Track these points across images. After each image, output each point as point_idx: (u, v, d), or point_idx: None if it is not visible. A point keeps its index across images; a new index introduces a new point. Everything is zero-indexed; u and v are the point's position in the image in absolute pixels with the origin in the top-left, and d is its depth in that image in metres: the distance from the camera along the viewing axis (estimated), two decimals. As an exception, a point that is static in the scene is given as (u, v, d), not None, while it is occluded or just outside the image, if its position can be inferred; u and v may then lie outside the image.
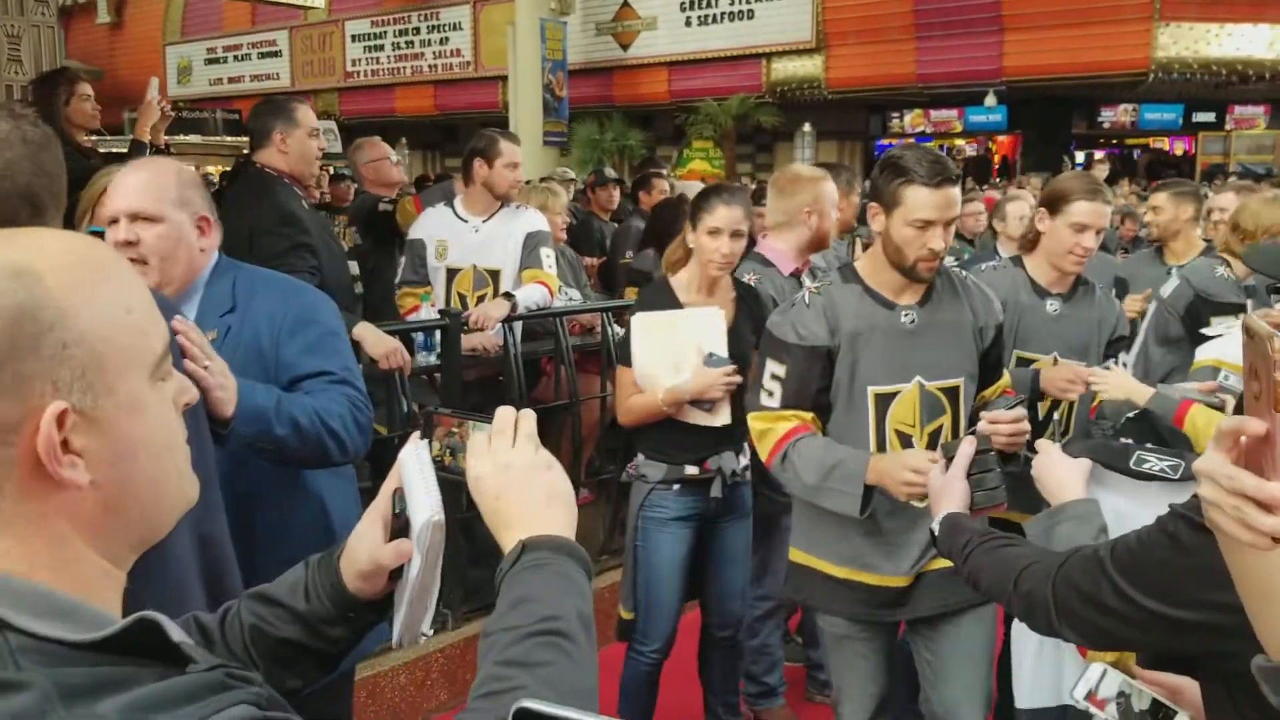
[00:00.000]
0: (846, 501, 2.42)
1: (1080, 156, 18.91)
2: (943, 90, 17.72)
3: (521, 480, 1.14)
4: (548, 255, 4.31)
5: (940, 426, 2.52)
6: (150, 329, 0.87)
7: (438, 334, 4.09)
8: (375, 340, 3.55)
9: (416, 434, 1.26)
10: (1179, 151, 19.84)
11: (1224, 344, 3.23)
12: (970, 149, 20.75)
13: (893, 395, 2.51)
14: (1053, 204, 3.07)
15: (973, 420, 2.49)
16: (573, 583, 1.06)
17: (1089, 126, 19.76)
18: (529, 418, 1.19)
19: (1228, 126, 18.70)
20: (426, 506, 1.17)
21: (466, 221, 4.30)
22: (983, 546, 1.72)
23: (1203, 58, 15.34)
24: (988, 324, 2.61)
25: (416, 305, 4.26)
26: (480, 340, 4.16)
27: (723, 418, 3.07)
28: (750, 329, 3.13)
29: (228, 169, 11.82)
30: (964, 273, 2.71)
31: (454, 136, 22.40)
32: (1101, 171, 13.67)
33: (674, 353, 3.03)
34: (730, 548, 3.28)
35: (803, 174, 3.60)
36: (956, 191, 2.43)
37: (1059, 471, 1.83)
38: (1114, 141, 20.37)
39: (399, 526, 1.20)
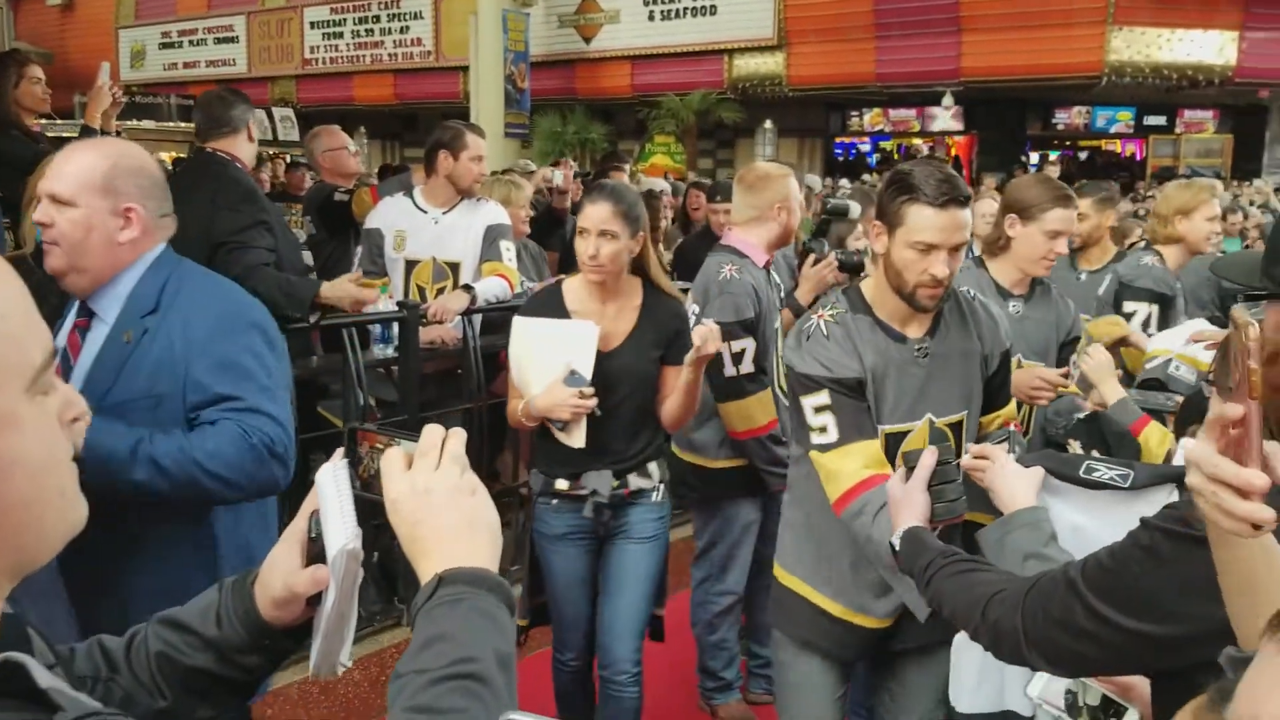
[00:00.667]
0: (914, 599, 2.23)
1: (1035, 158, 19.15)
2: (901, 90, 17.88)
3: (442, 506, 1.05)
4: (508, 248, 4.29)
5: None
6: (27, 337, 0.79)
7: (395, 326, 4.07)
8: (339, 294, 3.58)
9: (340, 451, 1.18)
10: (1130, 154, 20.15)
11: (1175, 335, 3.31)
12: (926, 148, 20.94)
13: (904, 434, 2.36)
14: (1025, 210, 3.04)
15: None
16: (492, 620, 0.99)
17: (1043, 128, 20.04)
18: (458, 438, 1.11)
19: (1178, 130, 19.04)
20: (341, 533, 1.10)
21: (426, 213, 4.28)
22: (945, 570, 1.66)
23: (1154, 62, 15.60)
24: (993, 352, 2.46)
25: (374, 296, 4.24)
26: (439, 333, 4.15)
27: (576, 440, 2.88)
28: (653, 342, 2.93)
29: (182, 155, 11.67)
30: (973, 293, 2.55)
31: (414, 126, 22.26)
32: (1052, 173, 13.87)
33: (544, 363, 2.88)
34: (616, 573, 3.03)
35: (771, 171, 3.63)
36: (965, 214, 2.24)
37: (1011, 481, 1.81)
38: (1067, 143, 20.65)
39: (316, 551, 1.13)
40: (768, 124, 19.12)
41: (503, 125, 16.20)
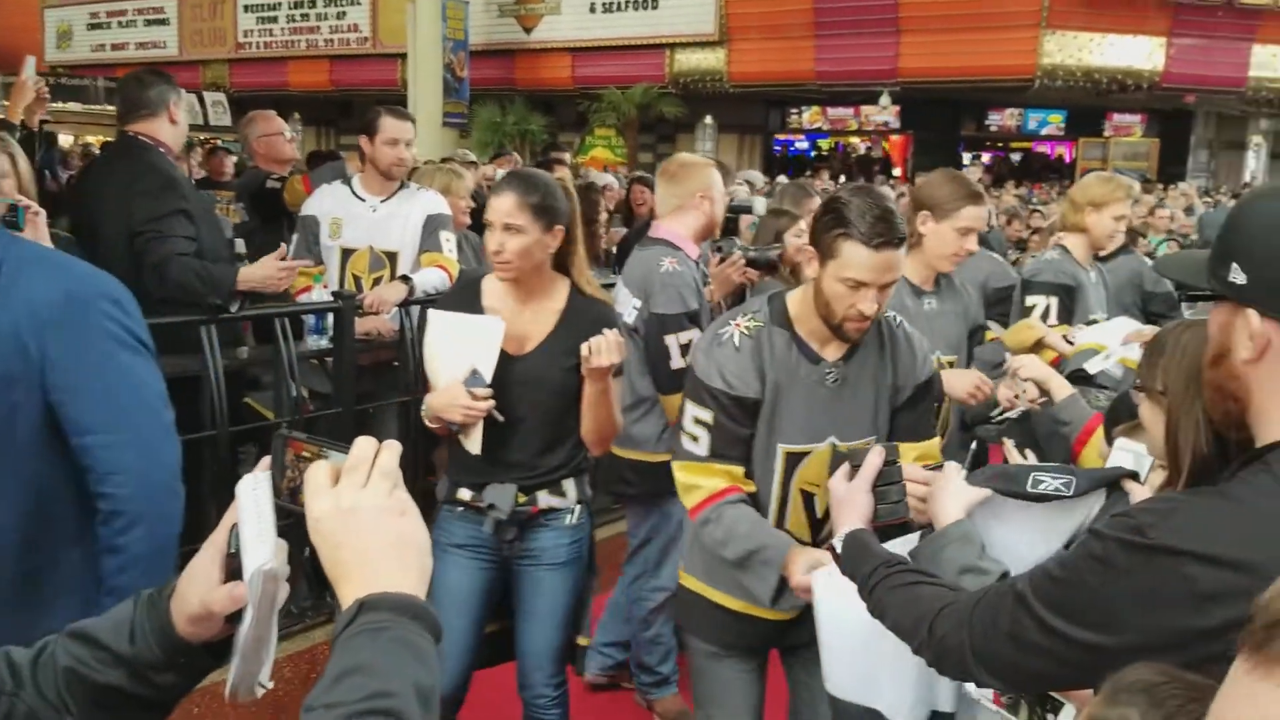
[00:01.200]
0: (762, 588, 2.30)
1: (968, 158, 19.46)
2: (840, 88, 18.04)
3: (367, 526, 0.99)
4: (448, 239, 4.22)
5: None
6: None
7: (330, 317, 4.01)
8: (259, 276, 3.47)
9: (264, 461, 1.11)
10: (1059, 156, 20.56)
11: (1107, 332, 3.35)
12: (864, 147, 21.18)
13: (804, 454, 2.35)
14: (937, 208, 3.05)
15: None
16: (414, 650, 0.93)
17: (977, 128, 20.37)
18: (390, 451, 1.04)
19: (1106, 133, 19.47)
20: (259, 552, 1.03)
21: (364, 200, 4.17)
22: (889, 581, 1.62)
23: (1085, 65, 15.95)
24: (905, 384, 2.41)
25: (308, 286, 4.16)
26: (374, 324, 4.08)
27: (472, 445, 2.68)
28: (570, 349, 2.62)
29: (109, 139, 11.39)
30: (899, 320, 2.49)
31: (350, 113, 21.96)
32: (975, 174, 14.11)
33: (451, 360, 2.70)
34: (530, 600, 2.83)
35: (692, 161, 3.63)
36: (898, 255, 2.21)
37: (948, 501, 1.78)
38: (999, 144, 21.01)
39: (235, 567, 1.06)
40: (708, 119, 19.19)
41: (441, 114, 16.05)
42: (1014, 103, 19.20)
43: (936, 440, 2.50)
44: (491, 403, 2.62)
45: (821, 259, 2.23)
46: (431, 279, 4.09)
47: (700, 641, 2.55)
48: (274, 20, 21.32)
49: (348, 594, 0.96)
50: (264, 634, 1.05)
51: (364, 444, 1.04)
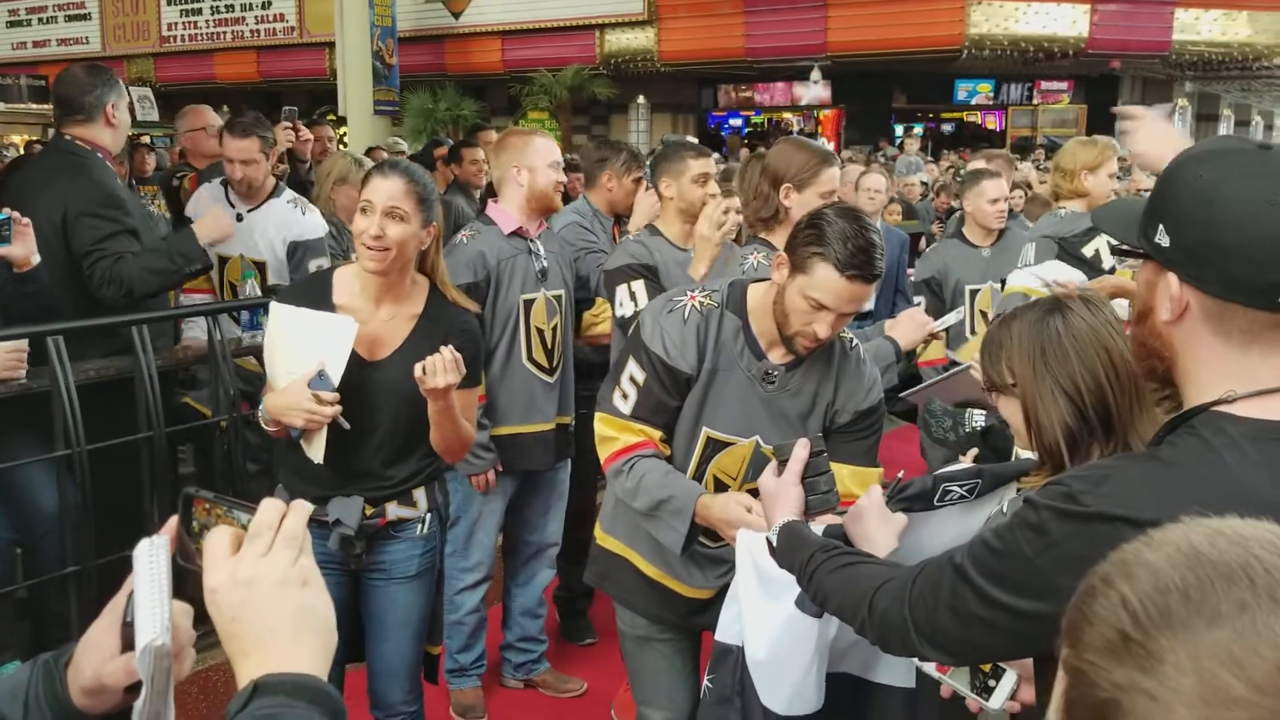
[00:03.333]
0: (671, 537, 2.29)
1: (899, 130, 19.64)
2: (771, 64, 18.10)
3: (265, 601, 0.93)
4: (318, 267, 4.00)
5: None
6: None
7: (264, 312, 3.99)
8: (212, 228, 3.55)
9: (169, 523, 1.06)
10: (990, 125, 20.81)
11: (1031, 274, 3.36)
12: (798, 123, 21.28)
13: (726, 445, 2.35)
14: (795, 178, 3.02)
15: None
16: None
17: (908, 101, 20.55)
18: (298, 513, 0.99)
19: (1035, 101, 19.74)
20: (150, 626, 0.96)
21: (233, 207, 4.11)
22: (827, 565, 1.62)
23: (1012, 34, 16.12)
24: (844, 408, 2.38)
25: (205, 287, 4.15)
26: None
27: (315, 453, 2.50)
28: (428, 350, 2.44)
29: (34, 138, 11.12)
30: (855, 343, 2.46)
31: (279, 105, 21.61)
32: (913, 144, 14.28)
33: (296, 358, 2.49)
34: (379, 615, 2.69)
35: (513, 133, 3.63)
36: (868, 290, 2.19)
37: (872, 531, 1.77)
38: (930, 115, 21.21)
39: (131, 637, 0.99)
40: (641, 99, 19.16)
41: (372, 103, 15.86)
42: (943, 73, 19.40)
43: (876, 470, 2.43)
44: (338, 409, 2.44)
45: (792, 269, 2.20)
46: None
47: (624, 613, 2.57)
48: (198, 13, 20.88)
49: (244, 673, 0.92)
50: (161, 709, 0.98)
51: (269, 507, 0.99)
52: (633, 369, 2.34)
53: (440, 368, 2.38)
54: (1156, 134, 2.25)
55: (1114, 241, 1.35)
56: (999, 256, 4.42)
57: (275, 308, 2.56)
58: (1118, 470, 1.24)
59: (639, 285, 3.23)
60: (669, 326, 2.32)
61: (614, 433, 2.35)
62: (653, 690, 2.58)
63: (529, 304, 3.39)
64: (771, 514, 1.88)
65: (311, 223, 4.19)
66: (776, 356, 2.34)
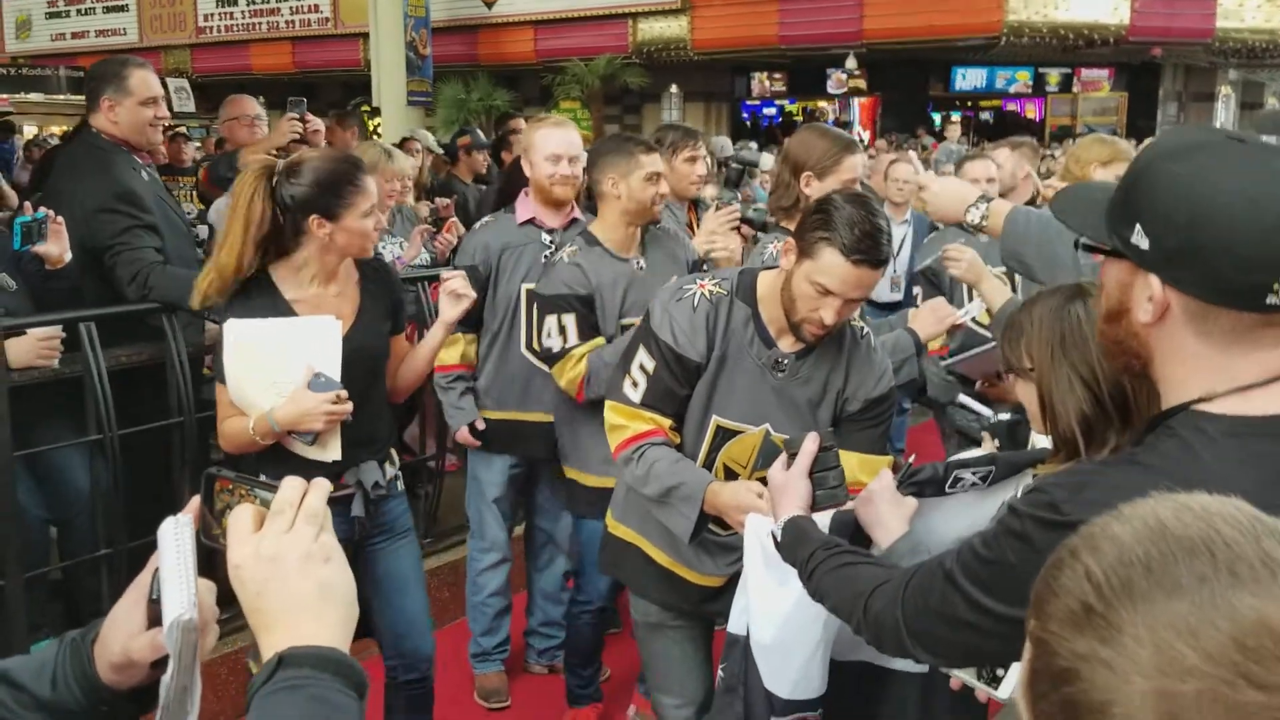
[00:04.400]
0: (681, 524, 2.30)
1: (937, 119, 19.48)
2: (804, 52, 18.00)
3: (289, 575, 0.95)
4: None
5: None
6: None
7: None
8: None
9: (193, 502, 1.08)
10: (1030, 114, 20.58)
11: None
12: (832, 111, 21.14)
13: (735, 433, 2.36)
14: (817, 166, 2.98)
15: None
16: (334, 709, 0.89)
17: (945, 89, 20.36)
18: (319, 491, 1.01)
19: (1075, 89, 19.50)
20: (178, 601, 0.99)
21: None
22: (827, 564, 1.64)
23: (1051, 22, 15.93)
24: (855, 396, 2.38)
25: None
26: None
27: (331, 452, 2.54)
28: (381, 314, 2.66)
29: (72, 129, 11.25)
30: (866, 330, 2.46)
31: (315, 96, 21.77)
32: (954, 132, 14.14)
33: (273, 369, 2.48)
34: (395, 573, 2.78)
35: (530, 122, 3.68)
36: (874, 275, 2.18)
37: (883, 514, 1.79)
38: (968, 104, 21.02)
39: (157, 613, 1.03)
40: (673, 88, 19.12)
41: (405, 93, 15.92)
42: (981, 61, 19.21)
43: (885, 459, 2.42)
44: (350, 405, 2.49)
45: (799, 255, 2.21)
46: None
47: (638, 601, 2.59)
48: (234, 3, 21.07)
49: (268, 645, 0.93)
50: (188, 683, 1.01)
51: (290, 485, 1.01)
52: (642, 357, 2.35)
53: (460, 283, 2.66)
54: (949, 187, 2.38)
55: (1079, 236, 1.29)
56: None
57: (233, 325, 2.49)
58: (1097, 477, 1.23)
59: (569, 320, 3.07)
60: (678, 315, 2.33)
61: (624, 421, 2.37)
62: (665, 677, 2.60)
63: (531, 293, 3.35)
64: (779, 507, 1.89)
65: None
66: (787, 345, 2.34)
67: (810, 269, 2.17)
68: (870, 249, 2.13)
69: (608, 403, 2.42)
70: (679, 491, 2.28)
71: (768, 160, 4.18)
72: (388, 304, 2.73)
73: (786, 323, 2.29)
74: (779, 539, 1.82)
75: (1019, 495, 1.76)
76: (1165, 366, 1.23)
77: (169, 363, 3.43)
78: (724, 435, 2.36)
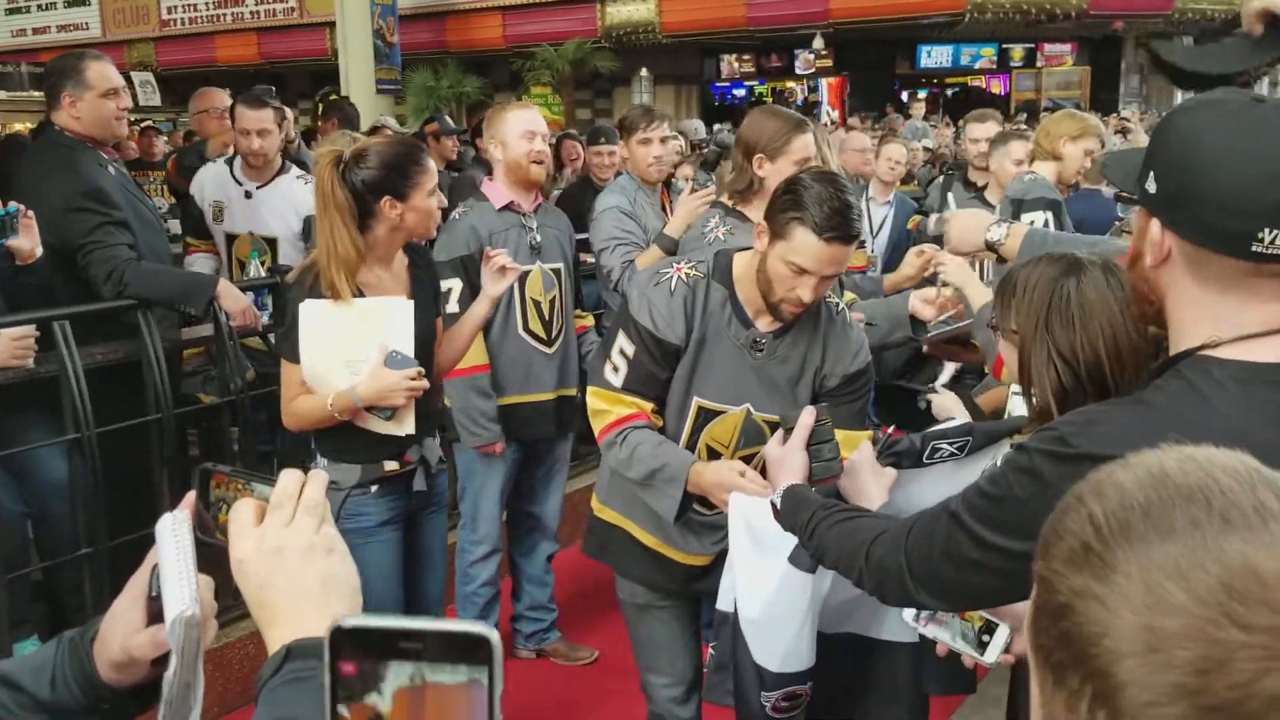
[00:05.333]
0: (666, 504, 2.33)
1: (904, 96, 19.54)
2: (772, 33, 18.01)
3: (293, 568, 0.95)
4: None
5: (755, 454, 2.35)
6: None
7: (269, 293, 4.02)
8: (231, 298, 3.53)
9: (188, 497, 1.07)
10: (995, 89, 20.68)
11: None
12: (801, 91, 21.17)
13: (717, 414, 2.38)
14: (768, 147, 2.99)
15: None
16: None
17: (911, 67, 20.43)
18: (317, 483, 1.00)
19: (1038, 64, 19.61)
20: (179, 597, 0.98)
21: (241, 185, 4.18)
22: (827, 520, 1.67)
23: (1015, -2, 16.01)
24: (833, 372, 2.41)
25: (207, 249, 4.24)
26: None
27: (406, 426, 2.67)
28: (430, 297, 2.82)
29: (35, 125, 11.11)
30: (841, 306, 2.50)
31: (282, 86, 21.59)
32: (919, 111, 14.21)
33: (350, 348, 2.60)
34: (430, 544, 2.92)
35: (495, 107, 3.73)
36: (847, 251, 2.21)
37: (864, 483, 1.85)
38: (934, 81, 21.09)
39: (157, 610, 1.02)
40: (643, 72, 19.08)
41: (374, 82, 15.82)
42: (946, 39, 19.28)
43: (865, 434, 2.39)
44: (426, 380, 2.64)
45: (772, 237, 2.24)
46: None
47: (624, 583, 2.61)
48: (197, -6, 20.88)
49: (274, 639, 0.94)
50: (191, 679, 1.00)
51: (288, 478, 1.00)
52: (622, 342, 2.37)
53: (511, 261, 2.78)
54: (968, 223, 2.40)
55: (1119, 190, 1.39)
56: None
57: (307, 305, 2.59)
58: (1106, 414, 1.29)
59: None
60: (656, 300, 2.35)
61: (606, 405, 2.38)
62: (653, 657, 2.62)
63: (523, 276, 3.38)
64: (776, 480, 1.92)
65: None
66: (764, 324, 2.36)
67: (784, 249, 2.20)
68: (841, 225, 2.16)
69: (590, 388, 2.44)
70: (663, 473, 2.30)
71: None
72: (432, 287, 2.86)
73: (764, 303, 2.31)
74: (778, 508, 1.85)
75: (997, 464, 1.82)
76: (1173, 311, 1.29)
77: (145, 359, 3.42)
78: (706, 416, 2.38)
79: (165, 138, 8.88)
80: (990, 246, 2.32)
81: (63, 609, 3.55)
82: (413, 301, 2.66)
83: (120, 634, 1.04)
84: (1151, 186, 1.25)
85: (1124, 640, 0.61)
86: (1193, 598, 0.60)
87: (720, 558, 2.34)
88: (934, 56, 20.17)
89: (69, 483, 3.36)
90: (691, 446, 2.40)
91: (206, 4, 20.80)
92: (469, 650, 0.66)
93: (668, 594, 2.58)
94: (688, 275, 2.37)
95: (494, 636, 0.64)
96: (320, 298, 2.58)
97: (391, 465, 2.71)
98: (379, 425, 2.65)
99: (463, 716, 0.66)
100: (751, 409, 2.38)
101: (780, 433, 1.98)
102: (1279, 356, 1.21)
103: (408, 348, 2.61)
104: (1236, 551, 0.60)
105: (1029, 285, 1.64)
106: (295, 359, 2.62)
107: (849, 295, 3.17)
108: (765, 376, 2.38)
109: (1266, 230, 1.15)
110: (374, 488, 2.71)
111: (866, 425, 2.52)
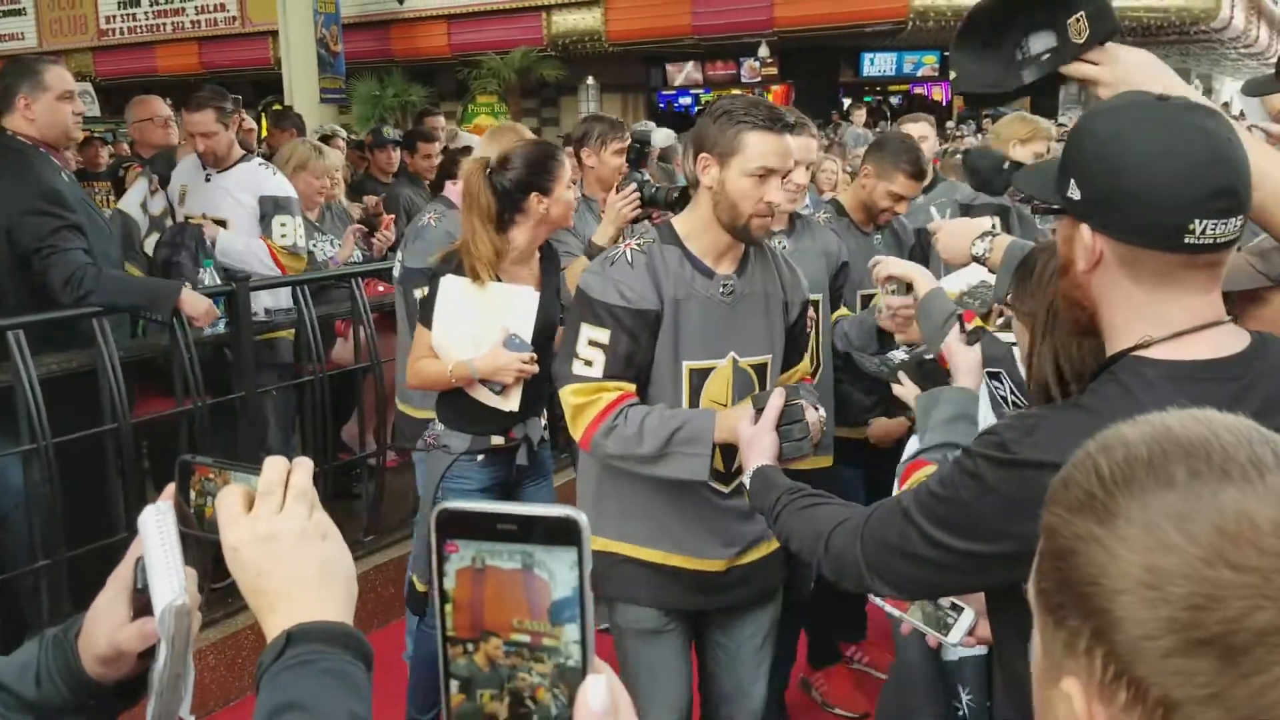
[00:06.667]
0: (694, 464, 2.25)
1: (847, 104, 19.74)
2: (718, 42, 18.14)
3: (288, 554, 0.94)
4: (282, 224, 4.25)
5: None
6: None
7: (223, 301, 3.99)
8: (193, 302, 3.56)
9: (171, 487, 1.06)
10: (937, 97, 20.97)
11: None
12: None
13: (708, 371, 2.37)
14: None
15: None
16: (346, 681, 0.89)
17: (854, 74, 20.67)
18: (303, 469, 0.99)
19: (981, 71, 19.90)
20: (167, 587, 0.98)
21: (203, 170, 4.39)
22: (791, 506, 1.72)
23: (956, 6, 16.22)
24: (794, 300, 2.49)
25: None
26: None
27: (511, 403, 2.97)
28: (557, 290, 3.09)
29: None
30: (774, 244, 2.57)
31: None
32: (859, 118, 14.38)
33: (476, 325, 2.91)
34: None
35: (441, 124, 3.89)
36: (794, 142, 2.31)
37: (966, 356, 2.02)
38: (877, 89, 21.34)
39: (143, 603, 1.01)
40: (590, 80, 19.13)
41: (318, 91, 15.71)
42: (889, 46, 19.52)
43: (807, 357, 2.67)
44: (537, 365, 2.91)
45: (721, 161, 2.27)
46: (234, 243, 4.20)
47: (628, 610, 2.49)
48: (137, 4, 20.54)
49: (273, 625, 0.92)
50: (180, 670, 1.01)
51: (275, 465, 0.99)
52: (590, 334, 2.32)
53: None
54: (956, 227, 2.52)
55: (1037, 201, 1.42)
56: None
57: (448, 280, 2.91)
58: (1045, 420, 1.33)
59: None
60: (619, 275, 2.33)
61: (588, 397, 2.31)
62: (653, 689, 2.49)
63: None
64: (746, 459, 1.97)
65: (281, 182, 4.36)
66: (724, 268, 2.38)
67: (742, 162, 2.24)
68: (780, 115, 2.27)
69: (563, 390, 2.36)
70: (683, 433, 2.25)
71: (661, 137, 4.27)
72: (557, 284, 3.10)
73: (719, 245, 2.36)
74: (748, 488, 1.91)
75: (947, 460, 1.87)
76: (1107, 314, 1.33)
77: (100, 368, 3.39)
78: (699, 377, 2.37)
79: (110, 148, 8.75)
80: (977, 260, 2.40)
81: (21, 616, 3.50)
82: (539, 293, 2.96)
83: (106, 629, 1.03)
84: (1075, 193, 1.29)
85: (1122, 578, 0.65)
86: (1189, 539, 0.64)
87: (733, 568, 2.39)
88: (877, 64, 20.42)
89: (24, 485, 3.31)
90: None
91: (146, 13, 20.51)
92: (561, 533, 0.71)
93: (674, 615, 2.50)
94: (640, 245, 2.38)
95: (583, 519, 0.71)
96: (463, 276, 2.89)
97: (498, 439, 3.02)
98: (489, 398, 2.97)
99: (519, 598, 0.72)
100: (736, 357, 2.40)
101: (751, 412, 2.02)
102: (1211, 352, 1.27)
103: (527, 334, 2.93)
104: (1232, 500, 0.65)
105: (1044, 275, 1.67)
106: (429, 325, 2.95)
107: (842, 310, 3.26)
108: (740, 320, 2.40)
109: (1197, 221, 1.20)
110: (480, 457, 3.02)
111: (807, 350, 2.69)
